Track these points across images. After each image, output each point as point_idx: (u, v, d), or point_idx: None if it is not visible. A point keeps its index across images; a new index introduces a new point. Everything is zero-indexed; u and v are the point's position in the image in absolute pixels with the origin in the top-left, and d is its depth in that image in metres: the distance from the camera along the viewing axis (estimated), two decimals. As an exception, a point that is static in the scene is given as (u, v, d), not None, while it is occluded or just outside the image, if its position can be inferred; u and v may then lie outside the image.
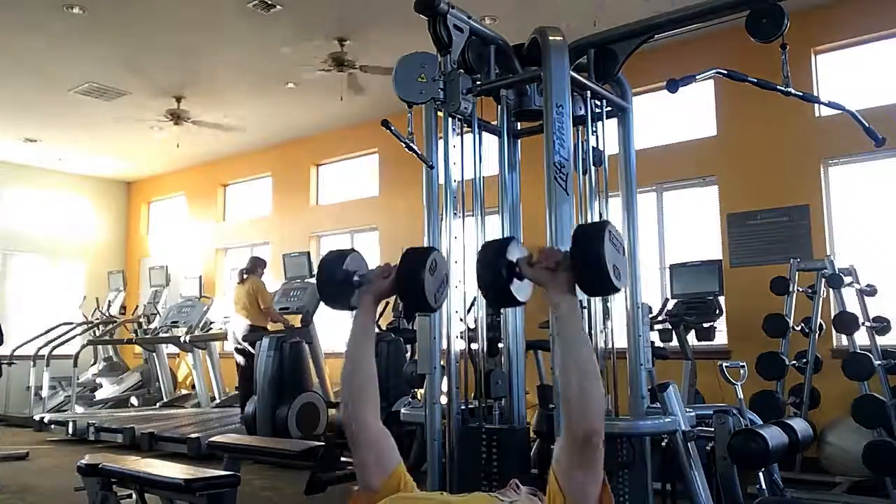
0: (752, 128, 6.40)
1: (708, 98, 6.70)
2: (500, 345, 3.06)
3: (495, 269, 1.74)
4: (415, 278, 1.80)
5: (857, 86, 6.16)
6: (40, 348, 9.37)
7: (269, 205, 10.56)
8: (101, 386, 10.03)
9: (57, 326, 9.85)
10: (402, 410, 3.21)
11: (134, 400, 9.59)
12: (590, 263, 1.60)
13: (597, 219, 2.95)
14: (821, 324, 5.26)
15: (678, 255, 6.47)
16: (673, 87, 2.89)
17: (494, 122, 3.09)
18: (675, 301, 5.78)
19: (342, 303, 1.93)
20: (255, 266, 7.74)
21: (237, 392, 7.94)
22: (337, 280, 1.92)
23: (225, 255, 11.14)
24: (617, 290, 1.66)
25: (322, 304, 2.03)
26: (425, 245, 2.98)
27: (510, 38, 3.07)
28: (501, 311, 3.05)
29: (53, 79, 7.78)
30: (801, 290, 5.32)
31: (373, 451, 1.73)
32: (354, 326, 1.86)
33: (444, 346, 2.88)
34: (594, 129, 3.00)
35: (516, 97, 3.10)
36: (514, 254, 1.75)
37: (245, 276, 7.60)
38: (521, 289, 1.77)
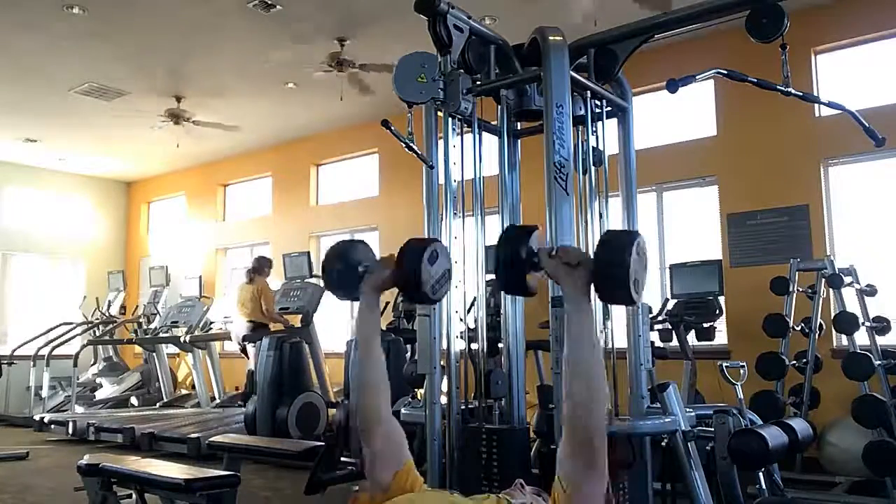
0: (752, 128, 6.40)
1: (708, 98, 6.70)
2: (500, 345, 3.06)
3: (516, 251, 1.71)
4: (413, 268, 1.79)
5: (857, 86, 6.16)
6: (40, 348, 9.36)
7: (269, 205, 10.56)
8: (101, 386, 10.02)
9: (57, 326, 9.84)
10: (402, 410, 3.21)
11: (134, 400, 9.58)
12: (612, 269, 1.56)
13: (597, 219, 2.95)
14: (821, 324, 5.26)
15: (678, 255, 6.47)
16: (673, 87, 2.89)
17: (494, 122, 3.08)
18: (675, 301, 5.77)
19: (347, 291, 1.92)
20: (262, 266, 7.73)
21: (237, 391, 7.95)
22: (343, 268, 1.92)
23: (225, 255, 11.14)
24: (634, 302, 1.63)
25: (325, 295, 2.05)
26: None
27: (510, 38, 3.07)
28: (501, 311, 3.05)
29: (53, 79, 7.77)
30: (801, 290, 5.32)
31: (385, 443, 1.73)
32: (359, 319, 1.86)
33: (444, 346, 2.88)
34: (594, 129, 2.99)
35: (516, 97, 3.10)
36: (536, 242, 1.74)
37: (252, 276, 7.59)
38: (533, 279, 1.76)
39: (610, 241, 1.64)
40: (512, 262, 1.73)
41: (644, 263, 1.63)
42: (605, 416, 1.54)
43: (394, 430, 1.75)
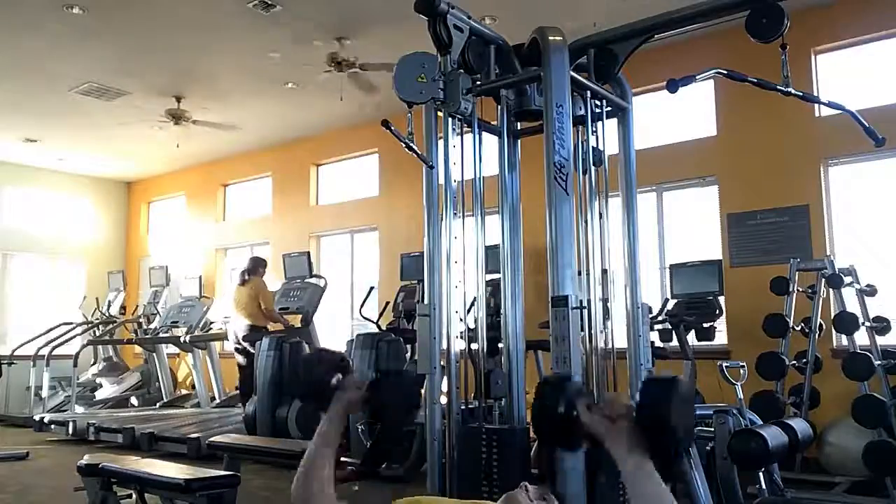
0: (752, 128, 6.40)
1: (708, 98, 6.70)
2: (500, 345, 3.06)
3: (552, 408, 1.62)
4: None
5: (857, 86, 6.16)
6: (40, 348, 9.36)
7: (269, 205, 10.56)
8: (101, 386, 10.03)
9: (57, 326, 9.85)
10: (403, 410, 3.20)
11: (134, 400, 9.59)
12: (655, 427, 1.47)
13: (597, 219, 2.95)
14: (821, 324, 5.26)
15: (678, 255, 6.47)
16: (673, 87, 2.89)
17: (494, 122, 3.08)
18: (675, 301, 5.77)
19: (319, 404, 1.95)
20: (256, 266, 7.74)
21: (237, 392, 7.95)
22: (315, 380, 1.95)
23: (225, 255, 11.14)
24: (679, 454, 1.57)
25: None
26: (425, 246, 2.98)
27: (510, 38, 3.07)
28: (501, 311, 3.05)
29: (53, 79, 7.77)
30: (801, 290, 5.32)
31: None
32: (319, 434, 1.85)
33: (444, 346, 2.88)
34: (594, 129, 2.99)
35: (516, 97, 3.10)
36: (573, 394, 1.64)
37: (247, 278, 7.59)
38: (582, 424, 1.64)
39: (649, 393, 1.55)
40: (550, 420, 1.64)
41: (689, 407, 1.54)
42: None
43: None
